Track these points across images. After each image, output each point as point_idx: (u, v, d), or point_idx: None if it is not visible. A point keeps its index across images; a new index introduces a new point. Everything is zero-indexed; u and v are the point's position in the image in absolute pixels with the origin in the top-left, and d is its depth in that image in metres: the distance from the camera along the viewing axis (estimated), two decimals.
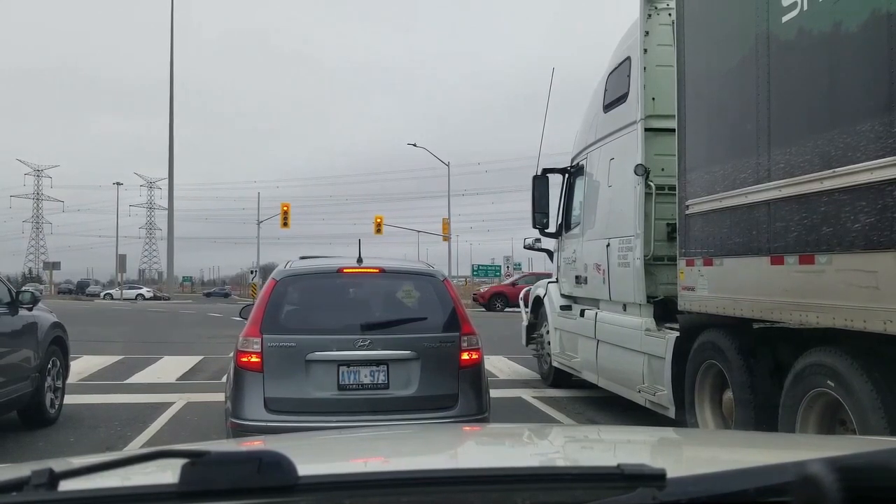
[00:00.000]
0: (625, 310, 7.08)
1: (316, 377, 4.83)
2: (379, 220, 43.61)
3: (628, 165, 6.69)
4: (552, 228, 9.35)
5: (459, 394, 4.98)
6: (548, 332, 9.52)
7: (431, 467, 1.52)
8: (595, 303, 7.97)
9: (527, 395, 8.98)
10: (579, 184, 8.61)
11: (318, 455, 1.75)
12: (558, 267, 9.48)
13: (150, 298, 57.87)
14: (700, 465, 1.57)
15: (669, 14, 6.39)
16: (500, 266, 48.25)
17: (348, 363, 4.86)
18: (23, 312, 6.79)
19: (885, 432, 3.50)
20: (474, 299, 33.73)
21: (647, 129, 6.54)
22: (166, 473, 1.01)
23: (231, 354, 5.30)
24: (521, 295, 11.45)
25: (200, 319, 26.96)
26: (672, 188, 6.00)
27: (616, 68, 7.37)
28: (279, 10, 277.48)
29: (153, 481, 1.07)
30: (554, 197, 9.31)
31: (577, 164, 8.68)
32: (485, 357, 5.33)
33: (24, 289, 7.37)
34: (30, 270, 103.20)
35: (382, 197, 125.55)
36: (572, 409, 8.16)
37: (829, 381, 3.93)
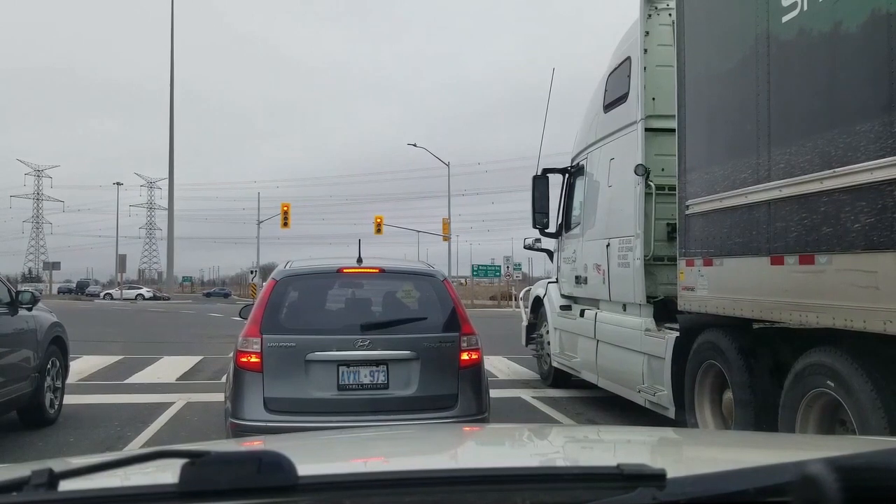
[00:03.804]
0: (625, 310, 7.07)
1: (316, 377, 4.83)
2: (379, 220, 43.63)
3: (628, 165, 6.68)
4: (552, 228, 9.35)
5: (459, 394, 4.98)
6: (548, 332, 9.52)
7: (431, 467, 1.52)
8: (595, 303, 7.97)
9: (527, 395, 8.98)
10: (579, 184, 8.61)
11: (318, 455, 1.75)
12: (558, 267, 9.48)
13: (150, 298, 57.89)
14: (700, 465, 1.57)
15: (669, 14, 6.39)
16: (500, 266, 48.16)
17: (348, 363, 4.86)
18: (22, 312, 6.79)
19: (885, 432, 3.50)
20: None
21: (647, 129, 6.54)
22: (166, 473, 1.01)
23: (231, 354, 5.30)
24: (521, 295, 11.44)
25: (200, 319, 26.96)
26: (672, 188, 6.00)
27: (616, 68, 7.37)
28: (278, 12, 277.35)
29: (153, 481, 1.07)
30: (554, 197, 9.31)
31: (577, 164, 8.68)
32: (485, 357, 5.33)
33: (23, 289, 7.37)
34: (30, 270, 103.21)
35: (382, 197, 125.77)
36: (572, 409, 8.16)
37: (828, 382, 3.93)
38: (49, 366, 7.12)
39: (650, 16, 6.64)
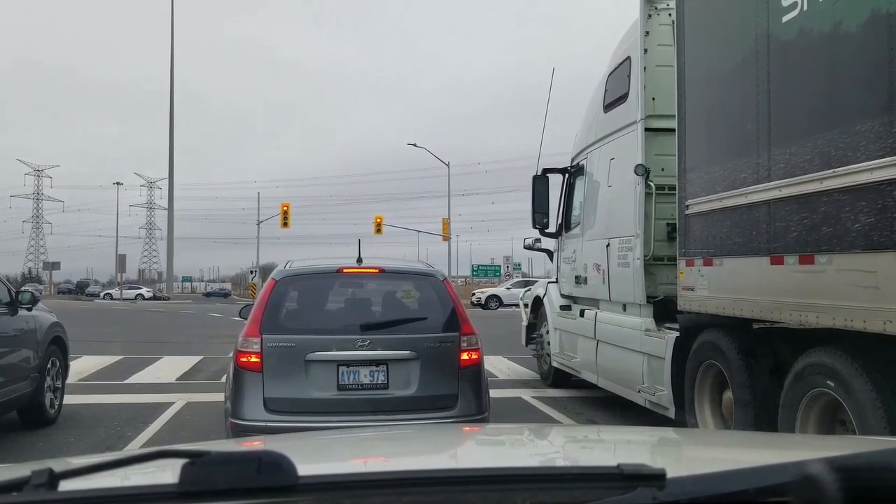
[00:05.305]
0: (624, 310, 7.08)
1: (315, 377, 4.83)
2: (379, 220, 43.64)
3: (628, 165, 6.68)
4: (552, 228, 9.35)
5: (459, 394, 4.98)
6: (548, 332, 9.52)
7: (431, 467, 1.52)
8: (595, 303, 7.97)
9: (527, 395, 8.98)
10: (579, 184, 8.61)
11: (318, 455, 1.75)
12: (558, 267, 9.48)
13: (149, 298, 57.85)
14: (700, 465, 1.57)
15: (669, 14, 6.39)
16: (499, 266, 48.20)
17: (348, 363, 4.86)
18: (22, 312, 6.79)
19: (885, 432, 3.50)
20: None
21: (647, 129, 6.54)
22: (166, 473, 1.01)
23: (231, 354, 5.30)
24: (521, 295, 11.45)
25: (200, 319, 26.96)
26: (672, 188, 6.00)
27: (616, 68, 7.37)
28: (278, 13, 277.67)
29: (153, 481, 1.07)
30: (554, 197, 9.31)
31: (577, 164, 8.68)
32: (485, 357, 5.33)
33: (23, 289, 7.37)
34: (29, 270, 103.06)
35: (382, 197, 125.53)
36: (572, 409, 8.16)
37: (828, 381, 3.93)
38: (49, 366, 7.12)
39: (650, 16, 6.65)
